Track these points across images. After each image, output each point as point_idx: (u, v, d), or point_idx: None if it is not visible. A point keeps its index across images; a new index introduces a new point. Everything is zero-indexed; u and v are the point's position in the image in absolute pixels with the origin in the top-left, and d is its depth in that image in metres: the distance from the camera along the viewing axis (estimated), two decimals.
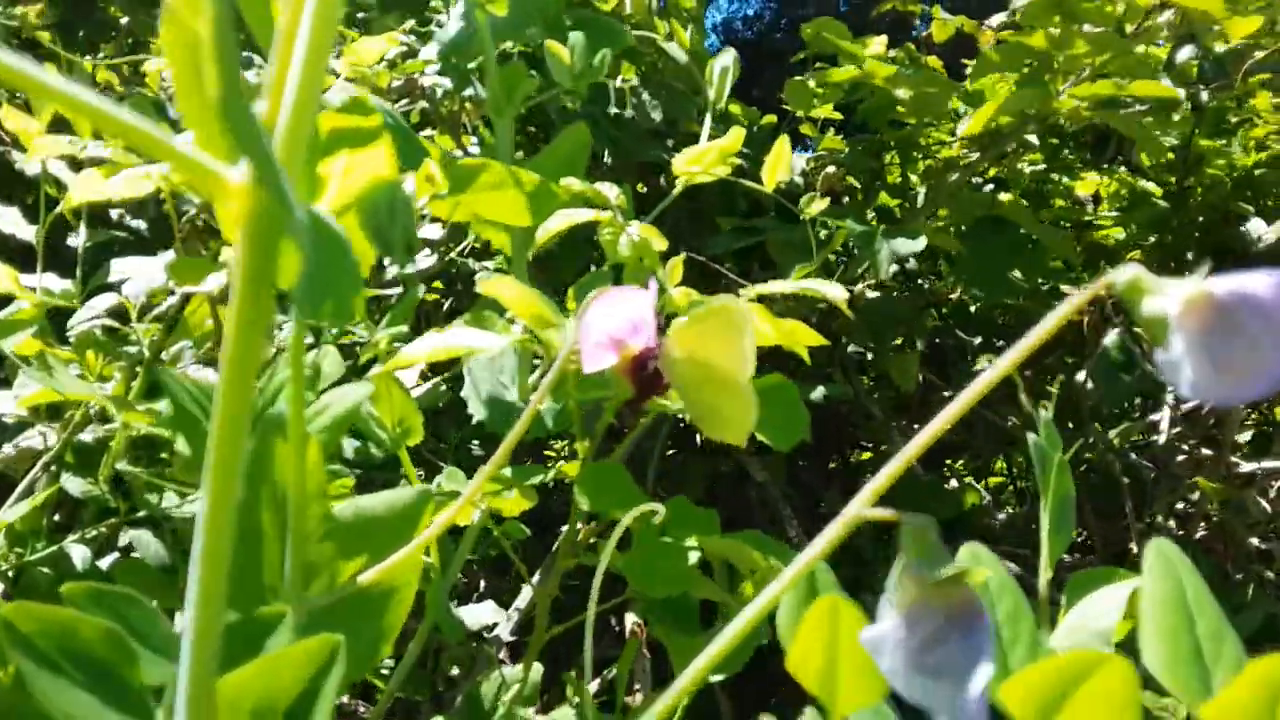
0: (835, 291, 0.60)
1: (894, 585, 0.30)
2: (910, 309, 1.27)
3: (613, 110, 1.46)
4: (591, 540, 0.71)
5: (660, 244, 0.63)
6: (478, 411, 0.80)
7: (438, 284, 1.44)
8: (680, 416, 1.04)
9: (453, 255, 1.07)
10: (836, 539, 0.31)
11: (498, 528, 0.74)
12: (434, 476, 1.46)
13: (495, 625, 1.12)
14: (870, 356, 1.35)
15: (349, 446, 0.85)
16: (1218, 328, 0.25)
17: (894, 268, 1.09)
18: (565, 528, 0.74)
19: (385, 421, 0.72)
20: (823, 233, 1.23)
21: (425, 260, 1.12)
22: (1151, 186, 1.69)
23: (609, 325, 0.41)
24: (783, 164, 1.04)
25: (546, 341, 0.57)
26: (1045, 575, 0.49)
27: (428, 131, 1.12)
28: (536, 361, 0.81)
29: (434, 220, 1.02)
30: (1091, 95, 1.00)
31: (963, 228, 1.31)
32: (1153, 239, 1.69)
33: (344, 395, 0.55)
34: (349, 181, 0.39)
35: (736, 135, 0.97)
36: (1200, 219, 1.61)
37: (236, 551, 0.31)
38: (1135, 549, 1.07)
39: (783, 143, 1.04)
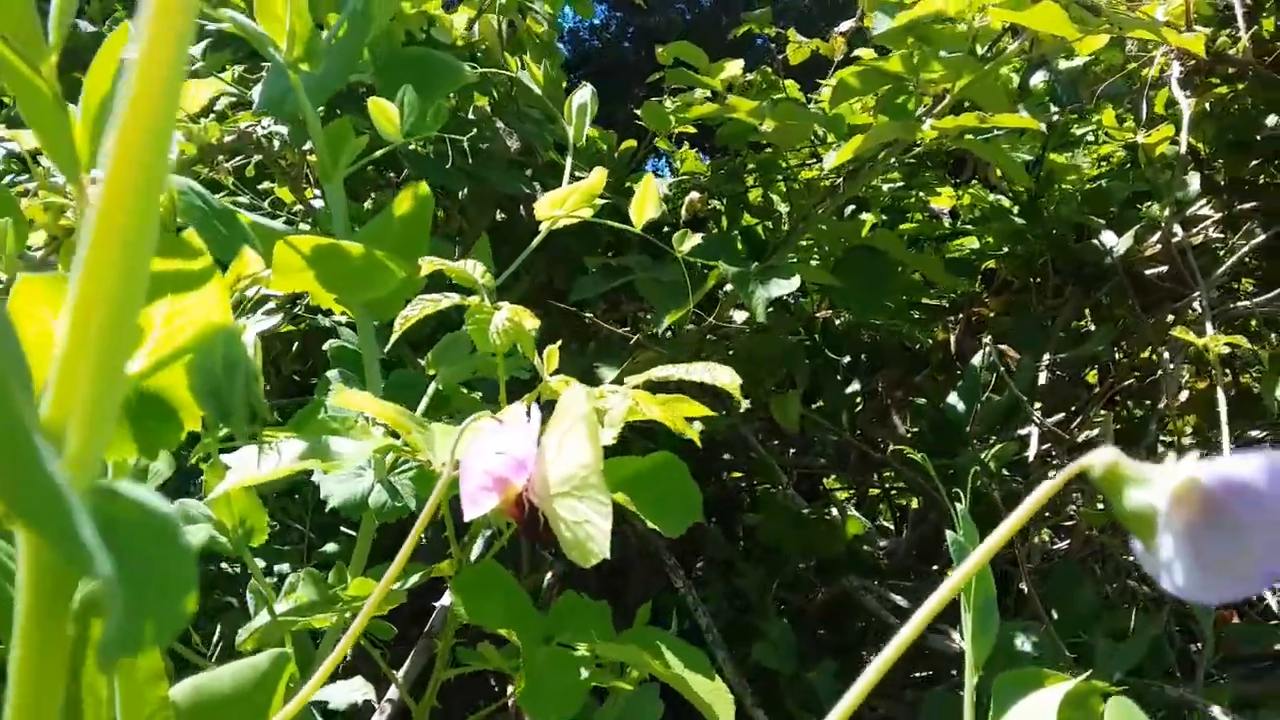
0: (727, 378, 0.56)
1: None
2: (787, 346, 1.25)
3: (467, 141, 1.40)
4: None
5: (533, 324, 0.58)
6: (331, 496, 0.74)
7: (287, 326, 1.35)
8: None
9: (298, 313, 0.99)
10: None
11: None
12: (295, 549, 1.36)
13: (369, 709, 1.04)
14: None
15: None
16: (1209, 523, 0.22)
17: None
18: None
19: (225, 523, 0.65)
20: (693, 262, 1.20)
21: (270, 319, 1.03)
22: (1005, 201, 1.73)
23: (490, 464, 0.36)
24: (651, 203, 1.00)
25: (414, 446, 0.51)
26: (971, 680, 0.46)
27: (267, 185, 1.04)
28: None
29: None
30: (956, 127, 1.00)
31: (834, 257, 1.29)
32: (1005, 250, 1.72)
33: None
34: (173, 331, 0.33)
35: (600, 176, 0.93)
36: (1054, 231, 1.65)
37: None
38: (1021, 574, 1.07)
39: (649, 182, 0.99)
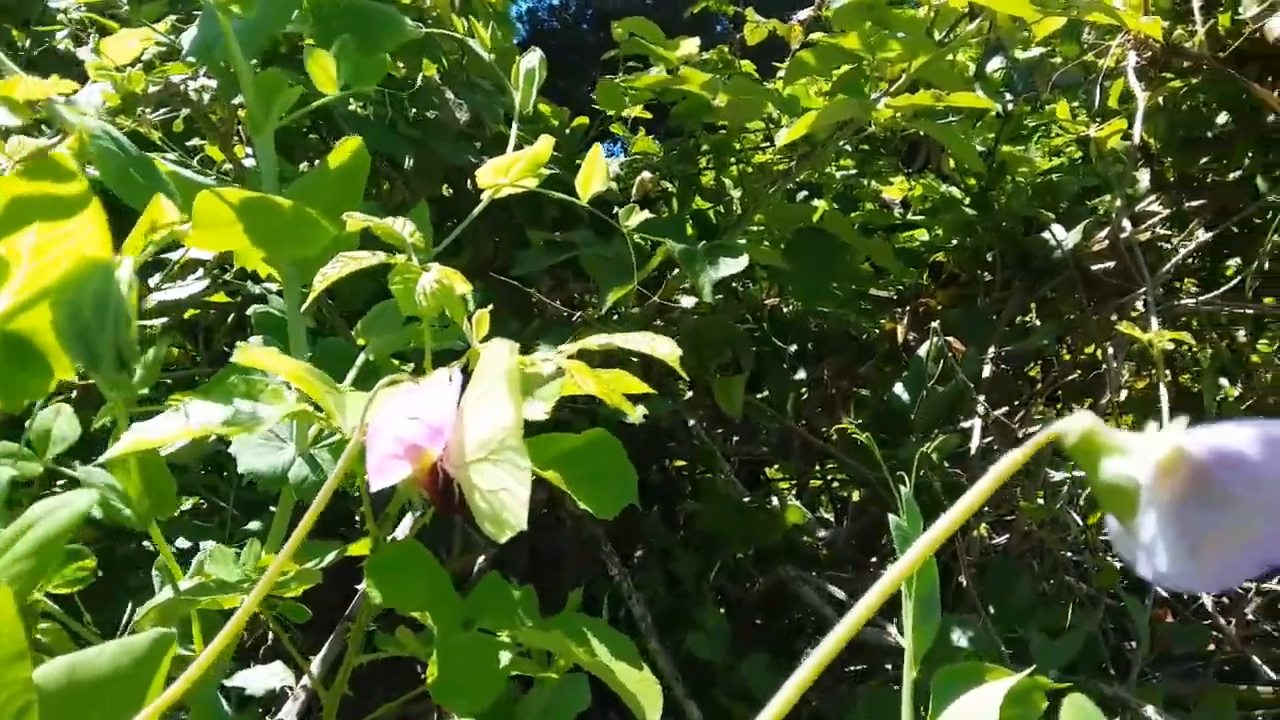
0: (667, 349, 0.53)
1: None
2: (734, 331, 1.22)
3: (413, 111, 1.36)
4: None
5: (464, 287, 0.54)
6: (247, 467, 0.69)
7: (220, 296, 1.30)
8: None
9: (227, 277, 0.94)
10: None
11: (269, 612, 0.63)
12: (212, 521, 1.31)
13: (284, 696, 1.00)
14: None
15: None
16: (1198, 498, 0.19)
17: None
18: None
19: (129, 493, 0.60)
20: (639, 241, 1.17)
21: (196, 284, 0.99)
22: (956, 192, 1.72)
23: (403, 429, 0.33)
24: (598, 175, 0.97)
25: (328, 411, 0.47)
26: (910, 674, 0.43)
27: (196, 141, 0.99)
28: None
29: None
30: (910, 105, 0.98)
31: (783, 240, 1.27)
32: (955, 242, 1.71)
33: (54, 510, 0.44)
34: (43, 266, 0.29)
35: (546, 144, 0.89)
36: (1004, 224, 1.64)
37: None
38: (960, 567, 1.05)
39: (597, 152, 0.96)
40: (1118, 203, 1.27)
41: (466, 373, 0.41)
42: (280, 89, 0.68)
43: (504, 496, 0.31)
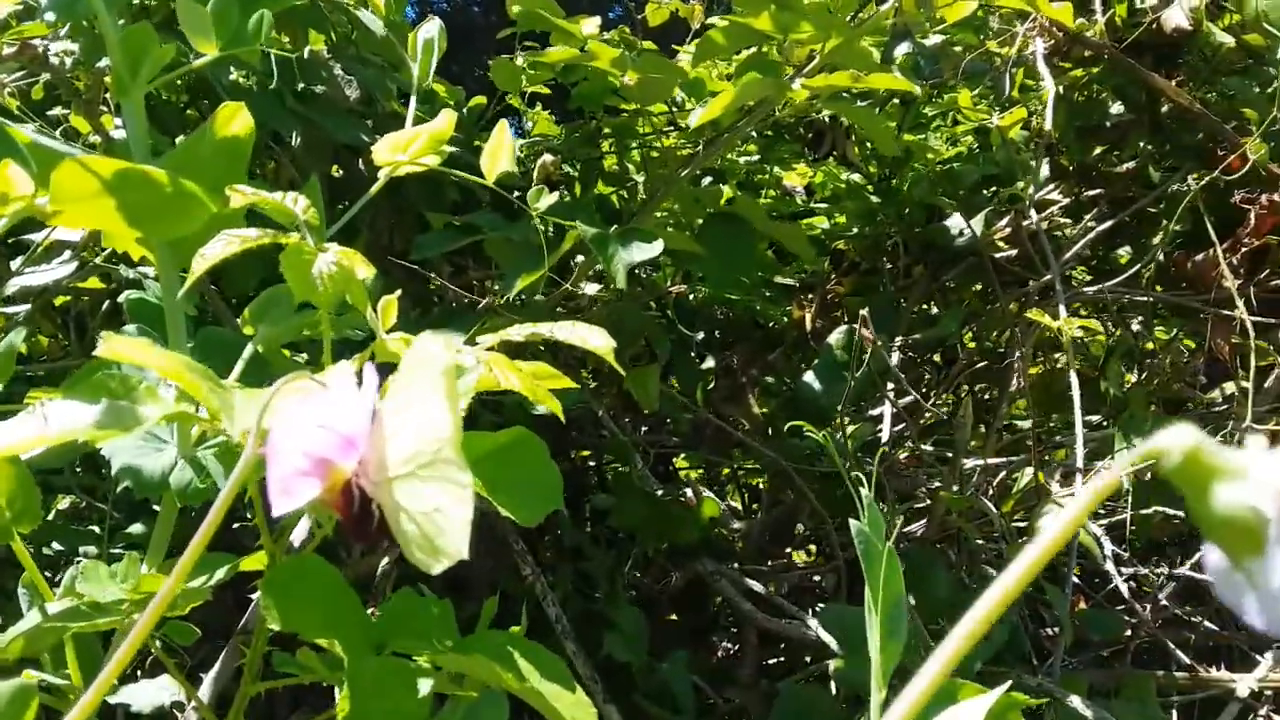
0: (599, 341, 0.48)
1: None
2: (648, 320, 1.18)
3: (300, 86, 1.27)
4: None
5: (367, 271, 0.48)
6: (122, 472, 0.62)
7: (94, 282, 1.20)
8: None
9: (98, 261, 0.86)
10: None
11: (153, 634, 0.57)
12: (86, 530, 1.21)
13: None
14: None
15: None
16: None
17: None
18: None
19: None
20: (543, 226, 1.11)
21: (62, 268, 0.90)
22: (859, 179, 1.71)
23: (309, 441, 0.27)
24: (505, 152, 0.91)
25: (212, 413, 0.41)
26: (878, 695, 0.39)
27: (59, 111, 0.90)
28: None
29: None
30: (829, 85, 0.95)
31: (690, 226, 1.23)
32: (855, 230, 1.70)
33: None
34: None
35: (449, 119, 0.83)
36: (906, 211, 1.63)
37: None
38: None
39: (503, 129, 0.91)
40: (1025, 190, 1.27)
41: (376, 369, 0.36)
42: (150, 47, 0.60)
43: (438, 519, 0.26)
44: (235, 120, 0.58)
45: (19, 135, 0.57)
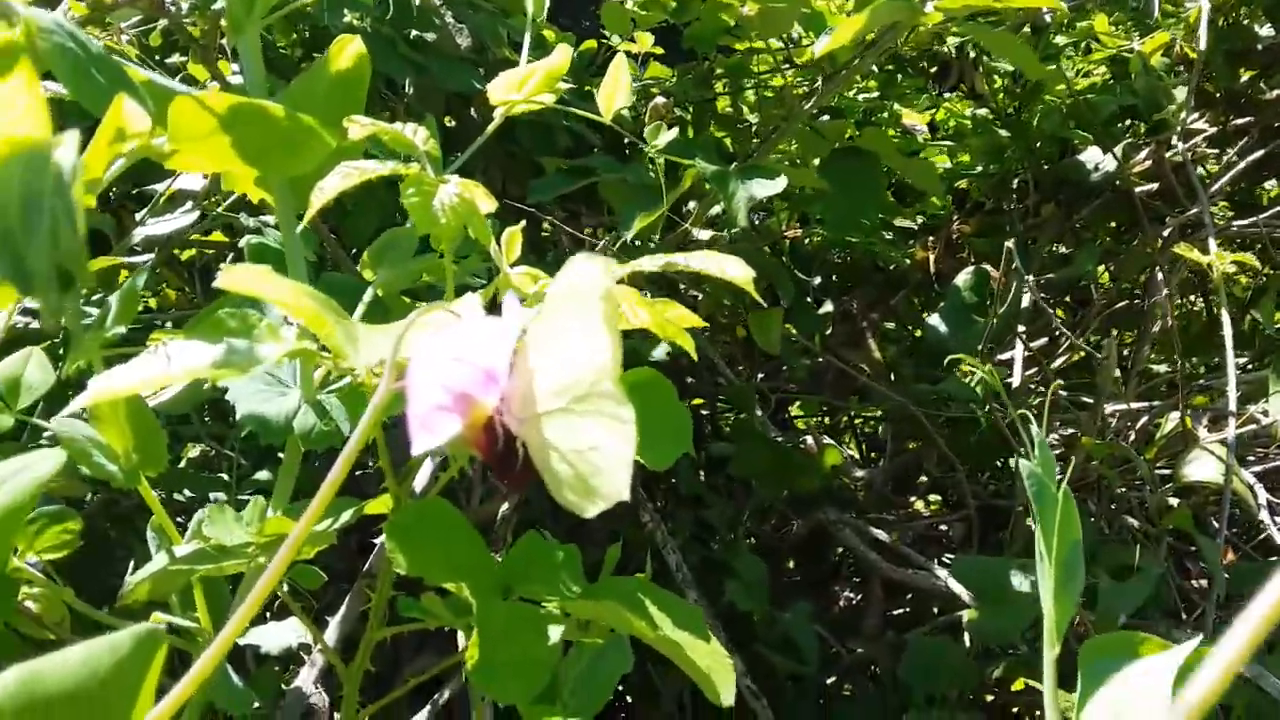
0: (737, 270, 0.45)
1: None
2: (772, 262, 1.14)
3: (413, 33, 1.26)
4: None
5: (489, 205, 0.46)
6: (245, 417, 0.62)
7: (218, 235, 1.21)
8: None
9: (219, 211, 0.86)
10: None
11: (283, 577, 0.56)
12: (215, 476, 1.24)
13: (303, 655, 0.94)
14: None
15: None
16: None
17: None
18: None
19: (114, 448, 0.53)
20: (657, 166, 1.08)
21: (184, 217, 0.91)
22: (984, 113, 1.63)
23: (448, 376, 0.25)
24: (621, 89, 0.88)
25: (335, 350, 0.40)
26: (1052, 651, 0.36)
27: (178, 59, 0.90)
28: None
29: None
30: (965, 6, 0.89)
31: (810, 164, 1.18)
32: (979, 169, 1.63)
33: (16, 474, 0.36)
34: None
35: (564, 55, 0.80)
36: (1037, 146, 1.55)
37: None
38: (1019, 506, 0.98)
39: (621, 64, 0.88)
40: (1176, 115, 1.18)
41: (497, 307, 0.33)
42: None
43: (593, 457, 0.24)
44: (350, 52, 0.56)
45: (136, 74, 0.56)
